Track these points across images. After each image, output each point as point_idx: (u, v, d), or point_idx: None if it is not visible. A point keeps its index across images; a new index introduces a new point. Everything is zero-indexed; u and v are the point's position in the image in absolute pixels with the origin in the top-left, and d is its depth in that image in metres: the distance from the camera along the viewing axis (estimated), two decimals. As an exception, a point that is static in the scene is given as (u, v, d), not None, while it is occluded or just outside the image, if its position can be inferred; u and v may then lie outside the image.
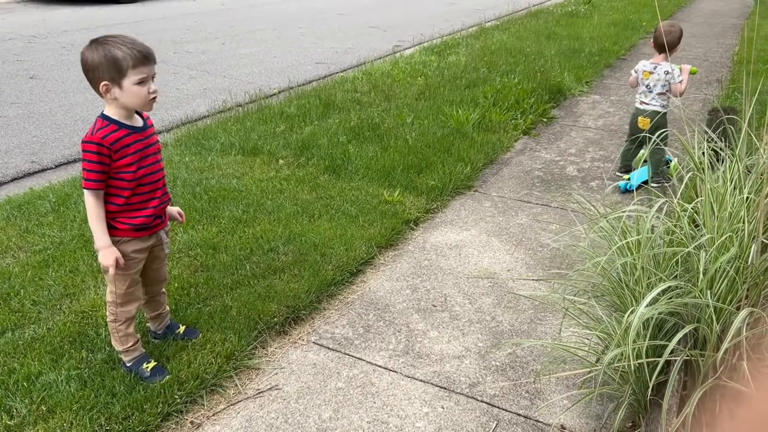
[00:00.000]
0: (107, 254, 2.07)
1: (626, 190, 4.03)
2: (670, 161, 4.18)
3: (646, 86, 4.08)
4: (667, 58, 4.02)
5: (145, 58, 1.99)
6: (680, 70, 3.98)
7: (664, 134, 3.46)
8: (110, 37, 1.99)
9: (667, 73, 3.97)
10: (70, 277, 2.90)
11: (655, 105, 4.06)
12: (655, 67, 4.02)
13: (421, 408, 2.25)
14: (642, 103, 4.13)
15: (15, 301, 2.72)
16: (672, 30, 3.98)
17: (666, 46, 3.90)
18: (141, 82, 2.00)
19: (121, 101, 2.02)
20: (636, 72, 4.15)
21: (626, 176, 4.14)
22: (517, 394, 2.33)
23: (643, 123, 4.05)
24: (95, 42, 1.98)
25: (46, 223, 3.40)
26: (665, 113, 4.07)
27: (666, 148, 3.89)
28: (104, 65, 1.95)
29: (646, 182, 3.93)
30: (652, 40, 4.13)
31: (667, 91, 4.03)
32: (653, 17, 10.42)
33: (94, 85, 2.00)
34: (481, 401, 2.29)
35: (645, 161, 4.07)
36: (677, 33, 3.99)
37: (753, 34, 7.74)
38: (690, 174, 2.42)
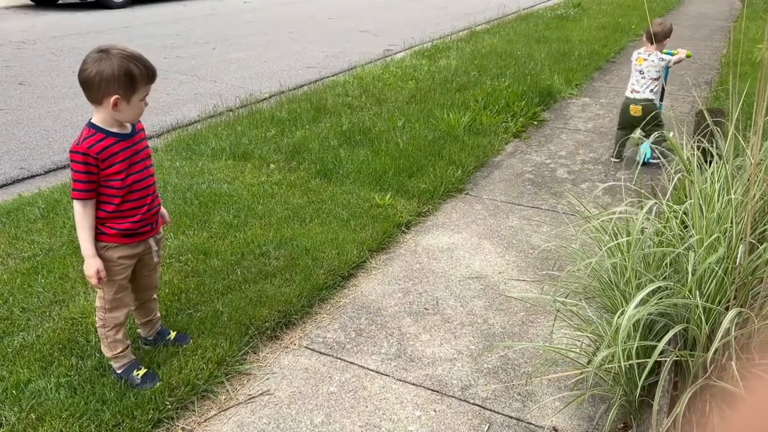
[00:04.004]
0: (90, 265, 2.07)
1: (645, 163, 4.40)
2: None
3: (639, 71, 4.37)
4: (657, 49, 4.35)
5: (153, 76, 2.05)
6: (674, 53, 4.43)
7: (657, 119, 4.01)
8: (118, 49, 1.98)
9: (662, 59, 4.32)
10: (59, 283, 2.89)
11: (646, 93, 4.35)
12: (649, 54, 4.35)
13: (413, 411, 2.25)
14: (633, 91, 4.41)
15: (3, 308, 2.70)
16: (663, 23, 4.38)
17: (655, 37, 4.27)
18: (143, 99, 2.04)
19: (121, 115, 2.03)
20: (632, 60, 4.49)
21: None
22: (509, 396, 2.33)
23: (635, 110, 4.32)
24: (105, 53, 1.95)
25: (35, 230, 3.37)
26: (655, 101, 4.39)
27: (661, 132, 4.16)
28: (120, 80, 1.95)
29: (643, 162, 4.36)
30: (644, 33, 4.47)
31: (659, 77, 4.36)
32: (642, 20, 10.48)
33: (101, 96, 1.97)
34: (474, 404, 2.29)
35: (641, 138, 4.30)
36: (667, 26, 4.37)
37: (741, 37, 7.79)
38: (679, 175, 2.44)
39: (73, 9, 11.87)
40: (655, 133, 4.06)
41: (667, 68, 4.46)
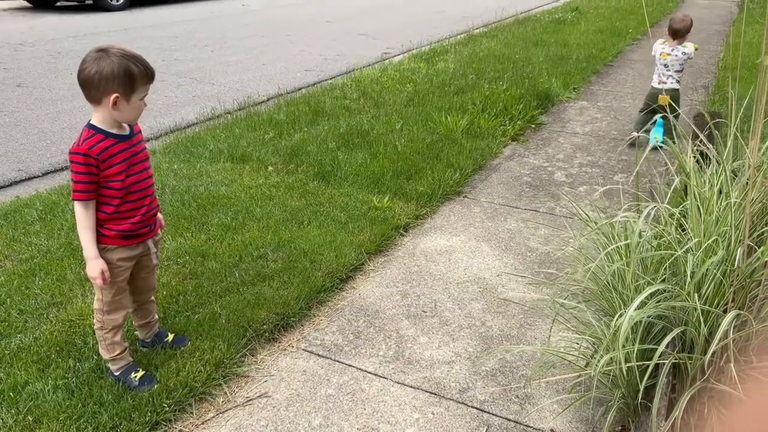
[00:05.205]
0: (94, 266, 2.06)
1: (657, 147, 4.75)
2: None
3: (664, 65, 4.83)
4: (680, 43, 4.78)
5: (152, 76, 2.05)
6: (685, 46, 4.82)
7: (678, 107, 4.55)
8: (117, 49, 1.99)
9: (684, 53, 4.76)
10: (57, 285, 2.88)
11: (672, 83, 4.84)
12: (672, 49, 4.78)
13: (411, 414, 2.25)
14: (660, 82, 4.88)
15: (1, 310, 2.69)
16: (685, 19, 4.78)
17: (678, 33, 4.74)
18: (142, 98, 2.05)
19: (120, 114, 2.03)
20: (654, 53, 4.91)
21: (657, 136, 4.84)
22: (507, 399, 2.33)
23: (663, 100, 4.73)
24: (105, 52, 1.96)
25: (32, 232, 3.37)
26: (679, 89, 4.88)
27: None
28: (120, 78, 1.96)
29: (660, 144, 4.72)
30: (667, 28, 4.85)
31: (683, 69, 4.83)
32: (639, 24, 10.51)
33: (100, 95, 1.97)
34: (472, 407, 2.29)
35: (655, 121, 4.84)
36: (688, 23, 4.77)
37: (738, 41, 7.82)
38: (678, 179, 2.44)
39: (71, 11, 11.86)
40: (668, 117, 4.56)
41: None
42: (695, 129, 2.82)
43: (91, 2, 11.91)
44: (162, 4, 13.19)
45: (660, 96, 4.78)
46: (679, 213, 2.22)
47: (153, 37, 9.30)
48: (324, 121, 5.28)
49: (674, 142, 4.20)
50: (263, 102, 6.16)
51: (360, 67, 7.39)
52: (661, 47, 4.83)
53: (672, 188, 2.44)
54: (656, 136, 4.77)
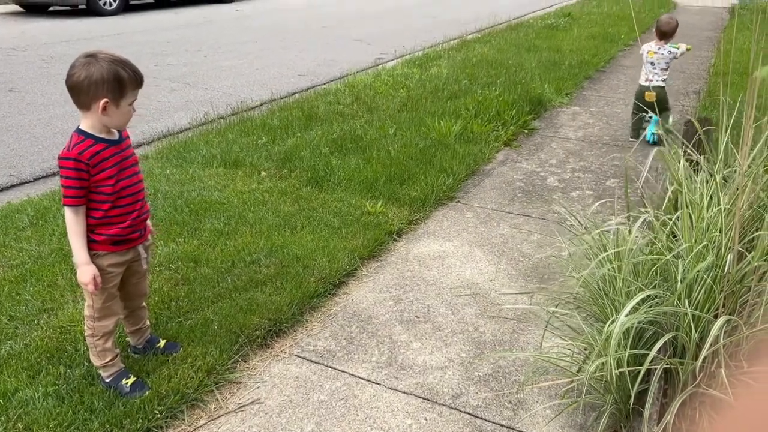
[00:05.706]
0: (85, 271, 2.05)
1: (654, 143, 4.99)
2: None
3: (651, 63, 5.02)
4: (667, 43, 4.98)
5: (141, 81, 2.06)
6: (678, 47, 5.01)
7: (666, 104, 4.98)
8: (106, 54, 1.99)
9: (670, 52, 4.96)
10: (48, 291, 2.86)
11: (657, 80, 5.01)
12: (659, 48, 5.00)
13: (404, 420, 2.24)
14: (647, 80, 5.05)
15: (-9, 316, 2.68)
16: (671, 21, 4.99)
17: (665, 35, 4.94)
18: (131, 104, 2.05)
19: (110, 120, 2.02)
20: (642, 52, 5.10)
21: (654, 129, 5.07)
22: (500, 404, 2.33)
23: (650, 96, 4.91)
24: (93, 57, 1.96)
25: (24, 237, 3.35)
26: (665, 87, 5.06)
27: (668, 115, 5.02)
28: (110, 83, 1.96)
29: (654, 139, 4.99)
30: (654, 29, 5.08)
31: (668, 67, 5.03)
32: (631, 30, 10.57)
33: (90, 100, 1.97)
34: (464, 412, 2.28)
35: (650, 119, 5.00)
36: (674, 24, 4.98)
37: (729, 47, 7.88)
38: (671, 187, 2.46)
39: (63, 16, 11.83)
40: (663, 115, 4.84)
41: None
42: (682, 138, 2.84)
43: (84, 7, 11.89)
44: (155, 9, 13.18)
45: (646, 93, 4.97)
46: (671, 219, 2.24)
47: (146, 42, 9.29)
48: (317, 126, 5.28)
49: (664, 145, 4.26)
50: (256, 107, 6.16)
51: (353, 73, 7.40)
52: (648, 46, 5.04)
53: (663, 194, 2.45)
54: (653, 131, 4.99)
